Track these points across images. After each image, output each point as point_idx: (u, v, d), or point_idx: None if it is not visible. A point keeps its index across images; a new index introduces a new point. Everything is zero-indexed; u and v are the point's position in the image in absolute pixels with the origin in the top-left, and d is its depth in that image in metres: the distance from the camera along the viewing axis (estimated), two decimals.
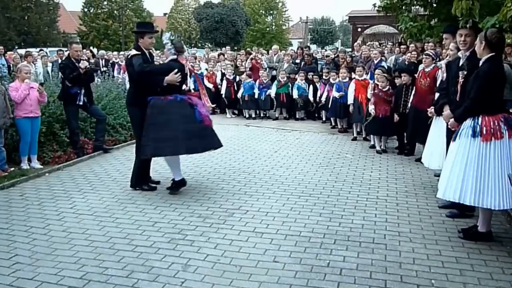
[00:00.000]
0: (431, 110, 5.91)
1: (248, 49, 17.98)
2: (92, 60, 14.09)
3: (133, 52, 6.17)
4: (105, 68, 13.88)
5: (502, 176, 4.26)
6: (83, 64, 7.93)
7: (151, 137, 5.89)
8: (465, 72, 5.07)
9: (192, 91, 13.36)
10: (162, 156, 6.18)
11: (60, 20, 39.87)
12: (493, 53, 4.46)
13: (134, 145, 6.59)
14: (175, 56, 6.12)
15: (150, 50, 6.45)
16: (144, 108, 6.02)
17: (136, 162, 6.43)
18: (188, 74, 14.04)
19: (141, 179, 6.45)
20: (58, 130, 8.05)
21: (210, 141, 6.21)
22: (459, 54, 5.24)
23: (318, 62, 13.74)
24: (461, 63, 5.17)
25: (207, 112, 6.30)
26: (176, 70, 5.89)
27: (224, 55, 14.80)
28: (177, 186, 6.26)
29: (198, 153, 6.56)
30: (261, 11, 51.60)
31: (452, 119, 4.80)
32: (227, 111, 13.33)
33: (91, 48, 27.93)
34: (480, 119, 4.42)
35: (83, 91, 8.01)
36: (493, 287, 3.82)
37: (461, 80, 5.15)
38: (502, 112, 4.48)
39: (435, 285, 3.84)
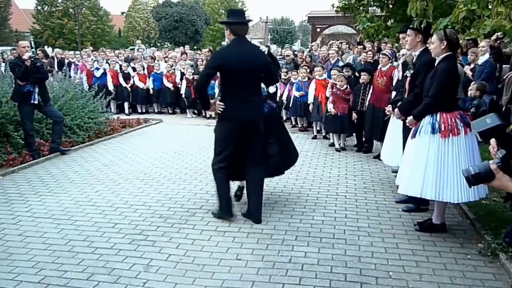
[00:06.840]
0: (388, 108, 6.04)
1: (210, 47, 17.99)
2: (45, 61, 13.68)
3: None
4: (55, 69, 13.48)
5: (460, 171, 4.37)
6: (26, 55, 7.63)
7: None
8: (412, 71, 5.25)
9: (151, 90, 13.39)
10: None
11: (12, 18, 38.62)
12: (450, 52, 4.60)
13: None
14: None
15: None
16: None
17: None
18: (147, 73, 13.83)
19: None
20: (12, 132, 7.84)
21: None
22: (413, 53, 5.39)
23: (278, 62, 13.79)
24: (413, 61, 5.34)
25: None
26: None
27: (186, 54, 14.72)
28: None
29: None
30: (220, 10, 51.44)
31: (411, 117, 4.90)
32: (187, 111, 13.28)
33: (45, 47, 27.18)
34: (438, 116, 4.56)
35: (37, 89, 7.80)
36: (447, 277, 3.96)
37: (408, 78, 5.35)
38: (458, 110, 4.66)
39: (392, 277, 3.95)
